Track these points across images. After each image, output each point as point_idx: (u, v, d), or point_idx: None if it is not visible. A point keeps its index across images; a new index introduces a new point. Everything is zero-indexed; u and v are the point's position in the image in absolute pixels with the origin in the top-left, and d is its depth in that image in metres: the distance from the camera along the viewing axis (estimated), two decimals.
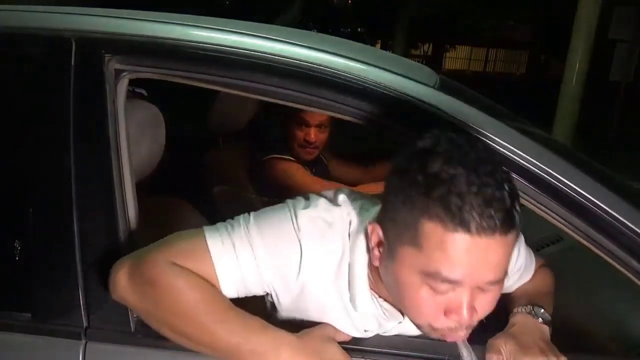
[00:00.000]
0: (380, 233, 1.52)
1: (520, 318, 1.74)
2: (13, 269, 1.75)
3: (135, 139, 1.87)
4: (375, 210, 1.66)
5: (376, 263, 1.58)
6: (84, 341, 1.70)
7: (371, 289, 1.67)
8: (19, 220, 1.74)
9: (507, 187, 1.36)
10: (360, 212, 1.70)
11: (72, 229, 1.70)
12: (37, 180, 1.74)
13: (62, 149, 1.70)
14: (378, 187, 3.30)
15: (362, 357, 1.69)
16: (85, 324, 1.71)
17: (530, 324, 1.74)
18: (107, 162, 1.72)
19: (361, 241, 1.65)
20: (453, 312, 1.45)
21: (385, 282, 1.61)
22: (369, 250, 1.62)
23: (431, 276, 1.41)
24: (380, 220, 1.54)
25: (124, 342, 1.65)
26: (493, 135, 1.67)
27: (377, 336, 1.71)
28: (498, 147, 1.66)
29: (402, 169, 1.43)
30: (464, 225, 1.33)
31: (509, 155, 1.66)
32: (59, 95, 1.71)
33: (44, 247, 1.74)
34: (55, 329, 1.72)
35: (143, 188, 1.96)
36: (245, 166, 3.46)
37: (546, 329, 1.75)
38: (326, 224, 1.67)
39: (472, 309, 1.45)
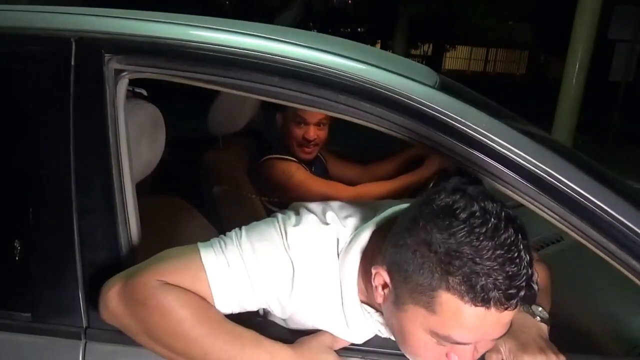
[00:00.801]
0: (387, 279, 1.51)
1: (518, 316, 1.74)
2: (13, 269, 1.75)
3: (135, 139, 1.87)
4: (366, 228, 1.67)
5: (379, 301, 1.57)
6: (83, 341, 1.70)
7: (364, 302, 1.68)
8: (19, 220, 1.74)
9: (527, 257, 1.36)
10: (349, 230, 1.71)
11: (72, 228, 1.71)
12: (37, 180, 1.74)
13: (62, 149, 1.70)
14: (377, 186, 3.31)
15: (363, 358, 1.69)
16: (85, 324, 1.71)
17: (529, 322, 1.74)
18: (107, 162, 1.72)
19: (350, 260, 1.65)
20: (456, 355, 1.46)
21: (386, 318, 1.61)
22: (360, 270, 1.64)
23: (440, 336, 1.42)
24: (386, 265, 1.52)
25: (124, 343, 1.64)
26: (493, 135, 1.66)
27: (377, 337, 1.71)
28: (498, 147, 1.66)
29: (419, 231, 1.41)
30: (485, 303, 1.33)
31: (509, 155, 1.66)
32: (58, 95, 1.71)
33: (44, 247, 1.74)
34: (55, 329, 1.72)
35: (143, 188, 1.96)
36: (244, 166, 3.46)
37: (544, 327, 1.75)
38: (315, 242, 1.67)
39: (475, 353, 1.48)
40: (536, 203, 1.68)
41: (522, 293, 1.33)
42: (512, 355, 1.63)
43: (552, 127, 10.73)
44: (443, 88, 1.79)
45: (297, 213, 1.76)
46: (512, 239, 1.34)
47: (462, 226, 1.35)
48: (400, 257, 1.45)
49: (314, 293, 1.64)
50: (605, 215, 1.64)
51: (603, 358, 2.11)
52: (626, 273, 1.68)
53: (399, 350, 1.60)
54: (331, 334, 1.67)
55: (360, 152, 4.04)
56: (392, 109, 1.71)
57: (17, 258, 1.73)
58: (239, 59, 1.73)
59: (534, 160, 1.66)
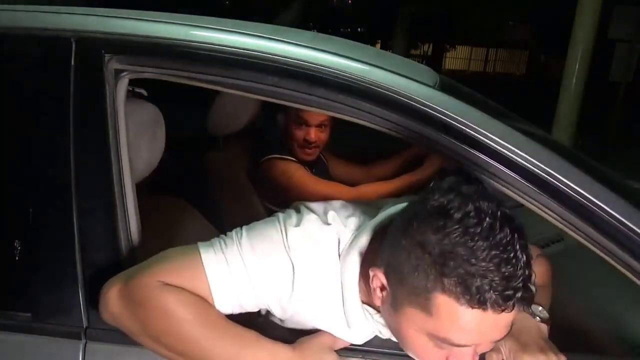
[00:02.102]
0: (384, 281, 1.51)
1: (518, 316, 1.74)
2: (13, 268, 1.75)
3: (135, 139, 1.87)
4: (368, 228, 1.67)
5: (378, 303, 1.57)
6: (83, 341, 1.70)
7: (366, 303, 1.67)
8: (19, 220, 1.74)
9: (524, 258, 1.34)
10: (351, 230, 1.71)
11: (72, 228, 1.70)
12: (37, 180, 1.74)
13: (62, 149, 1.70)
14: (378, 187, 3.31)
15: (363, 358, 1.69)
16: (85, 323, 1.71)
17: (529, 322, 1.73)
18: (107, 162, 1.72)
19: (351, 261, 1.64)
20: (457, 358, 1.46)
21: (385, 319, 1.61)
22: (362, 270, 1.63)
23: (438, 339, 1.42)
24: (383, 267, 1.51)
25: (125, 342, 1.64)
26: (493, 135, 1.66)
27: (377, 337, 1.71)
28: (498, 147, 1.66)
29: (414, 232, 1.41)
30: (481, 305, 1.32)
31: (509, 155, 1.66)
32: (58, 95, 1.71)
33: (44, 246, 1.74)
34: (55, 328, 1.72)
35: (143, 188, 1.96)
36: (245, 166, 3.46)
37: (544, 327, 1.74)
38: (316, 243, 1.67)
39: (475, 355, 1.47)
40: (536, 203, 1.68)
41: (519, 294, 1.33)
42: (513, 356, 1.62)
43: (552, 126, 10.72)
44: (443, 88, 1.79)
45: (298, 212, 1.75)
46: (508, 238, 1.33)
47: (456, 226, 1.34)
48: (395, 259, 1.45)
49: (314, 294, 1.64)
50: (606, 215, 1.63)
51: (603, 358, 2.11)
52: (627, 273, 1.68)
53: (400, 350, 1.60)
54: (331, 335, 1.67)
55: (361, 152, 4.04)
56: (393, 109, 1.71)
57: (17, 258, 1.73)
58: (239, 59, 1.73)
59: (534, 160, 1.65)
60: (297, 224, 1.69)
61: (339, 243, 1.68)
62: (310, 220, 1.71)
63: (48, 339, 1.72)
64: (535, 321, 1.74)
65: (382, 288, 1.52)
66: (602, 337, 2.33)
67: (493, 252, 1.31)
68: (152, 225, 1.92)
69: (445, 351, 1.45)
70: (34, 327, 1.73)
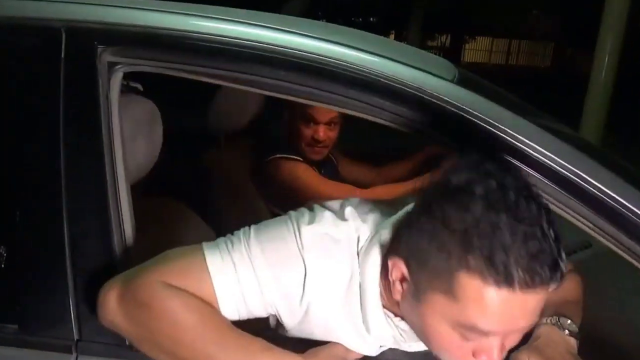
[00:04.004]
0: (405, 270, 1.50)
1: (545, 330, 1.73)
2: None
3: (131, 137, 1.87)
4: (389, 224, 1.66)
5: (397, 297, 1.56)
6: (74, 355, 1.70)
7: (385, 307, 1.66)
8: (5, 225, 1.74)
9: (552, 234, 1.35)
10: (370, 226, 1.70)
11: (62, 233, 1.70)
12: (24, 182, 1.74)
13: (51, 148, 1.70)
14: (392, 189, 3.31)
15: None
16: (76, 336, 1.71)
17: (556, 336, 1.72)
18: (100, 162, 1.71)
19: (372, 259, 1.64)
20: (483, 353, 1.45)
21: (406, 317, 1.61)
22: (382, 270, 1.62)
23: (465, 327, 1.41)
24: (403, 255, 1.51)
25: (118, 356, 1.65)
26: (516, 134, 1.65)
27: (390, 351, 1.71)
28: (522, 145, 1.65)
29: (434, 211, 1.41)
30: (508, 283, 1.32)
31: (534, 155, 1.65)
32: (47, 90, 1.71)
33: (32, 253, 1.74)
34: (44, 341, 1.72)
35: (139, 190, 1.96)
36: (248, 166, 3.46)
37: (573, 341, 1.73)
38: (333, 241, 1.66)
39: (502, 348, 1.46)
40: (563, 206, 1.67)
41: (546, 271, 1.32)
42: None
43: (579, 124, 10.70)
44: (462, 82, 1.78)
45: (312, 211, 1.75)
46: (534, 213, 1.34)
47: (479, 202, 1.34)
48: (416, 242, 1.45)
49: (330, 296, 1.64)
50: (638, 220, 1.62)
51: None
52: None
53: None
54: (343, 346, 1.67)
55: (374, 152, 4.04)
56: (407, 105, 1.71)
57: (1, 265, 1.73)
58: (243, 50, 1.73)
59: (560, 160, 1.65)
60: (311, 222, 1.68)
61: (358, 241, 1.67)
62: (325, 217, 1.70)
63: (37, 353, 1.72)
64: (563, 335, 1.73)
65: (403, 279, 1.52)
66: (636, 352, 2.32)
67: (518, 227, 1.31)
68: (148, 230, 1.92)
69: (472, 343, 1.44)
70: (22, 340, 1.73)
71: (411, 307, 1.53)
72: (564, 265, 1.36)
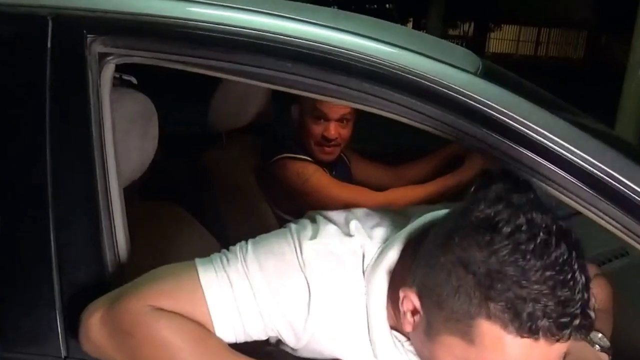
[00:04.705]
0: (417, 304, 1.50)
1: (574, 345, 1.72)
2: None
3: (123, 135, 1.87)
4: (398, 241, 1.66)
5: (408, 329, 1.56)
6: None
7: (393, 328, 1.66)
8: None
9: (583, 279, 1.34)
10: (377, 242, 1.69)
11: (49, 241, 1.70)
12: (6, 185, 1.74)
13: (36, 148, 1.70)
14: (410, 191, 3.31)
15: None
16: (64, 353, 1.71)
17: (587, 352, 1.73)
18: (90, 163, 1.71)
19: (378, 280, 1.63)
20: None
21: (416, 349, 1.61)
22: (389, 291, 1.62)
23: None
24: (416, 287, 1.50)
25: None
26: (546, 132, 1.65)
27: None
28: (550, 144, 1.64)
29: (454, 247, 1.40)
30: (532, 333, 1.31)
31: (564, 154, 1.64)
32: (32, 83, 1.71)
33: (15, 263, 1.74)
34: (29, 359, 1.71)
35: (132, 193, 1.96)
36: (252, 168, 3.46)
37: (605, 357, 1.74)
38: (337, 258, 1.66)
39: None
40: (597, 211, 1.67)
41: (576, 322, 1.31)
42: None
43: (615, 120, 10.68)
44: (486, 75, 1.78)
45: (314, 223, 1.74)
46: (565, 257, 1.32)
47: (505, 242, 1.33)
48: (432, 279, 1.44)
49: (334, 318, 1.63)
50: None
51: None
52: None
53: None
54: None
55: (390, 151, 4.04)
56: (426, 100, 1.70)
57: None
58: (246, 40, 1.72)
59: (593, 160, 1.64)
60: (313, 236, 1.68)
61: (363, 258, 1.67)
62: (329, 231, 1.70)
63: None
64: (594, 350, 1.73)
65: (414, 312, 1.51)
66: None
67: (547, 273, 1.30)
68: (143, 237, 1.92)
69: None
70: (4, 358, 1.73)
71: (422, 342, 1.53)
72: (592, 313, 1.35)
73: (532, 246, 1.32)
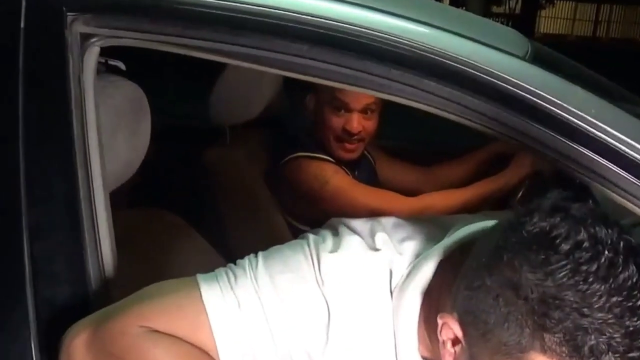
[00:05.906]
0: (460, 333, 1.48)
1: None
2: None
3: (110, 130, 1.87)
4: (432, 257, 1.64)
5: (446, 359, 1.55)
6: None
7: (425, 358, 1.65)
8: None
9: None
10: (408, 259, 1.68)
11: (22, 253, 1.69)
12: None
13: (7, 145, 1.70)
14: (445, 197, 3.30)
15: None
16: None
17: None
18: (71, 161, 1.71)
19: (409, 302, 1.62)
20: None
21: None
22: (421, 315, 1.61)
23: None
24: (457, 314, 1.49)
25: None
26: (605, 125, 1.64)
27: None
28: (611, 139, 1.63)
29: (503, 268, 1.38)
30: None
31: (627, 152, 1.63)
32: (2, 69, 1.71)
33: None
34: None
35: (121, 199, 1.96)
36: (261, 168, 3.46)
37: None
38: (360, 276, 1.64)
39: None
40: None
41: None
42: None
43: None
44: (537, 60, 1.78)
45: (335, 234, 1.73)
46: (634, 279, 1.29)
47: (563, 262, 1.30)
48: (477, 304, 1.42)
49: (356, 346, 1.62)
50: None
51: None
52: None
53: None
54: None
55: (421, 148, 4.03)
56: (466, 89, 1.70)
57: None
58: (253, 19, 1.72)
59: None
60: (334, 250, 1.67)
61: (390, 276, 1.66)
62: (352, 244, 1.69)
63: None
64: None
65: (455, 341, 1.50)
66: None
67: (614, 299, 1.27)
68: (133, 250, 1.92)
69: None
70: None
71: None
72: None
73: (595, 267, 1.29)
